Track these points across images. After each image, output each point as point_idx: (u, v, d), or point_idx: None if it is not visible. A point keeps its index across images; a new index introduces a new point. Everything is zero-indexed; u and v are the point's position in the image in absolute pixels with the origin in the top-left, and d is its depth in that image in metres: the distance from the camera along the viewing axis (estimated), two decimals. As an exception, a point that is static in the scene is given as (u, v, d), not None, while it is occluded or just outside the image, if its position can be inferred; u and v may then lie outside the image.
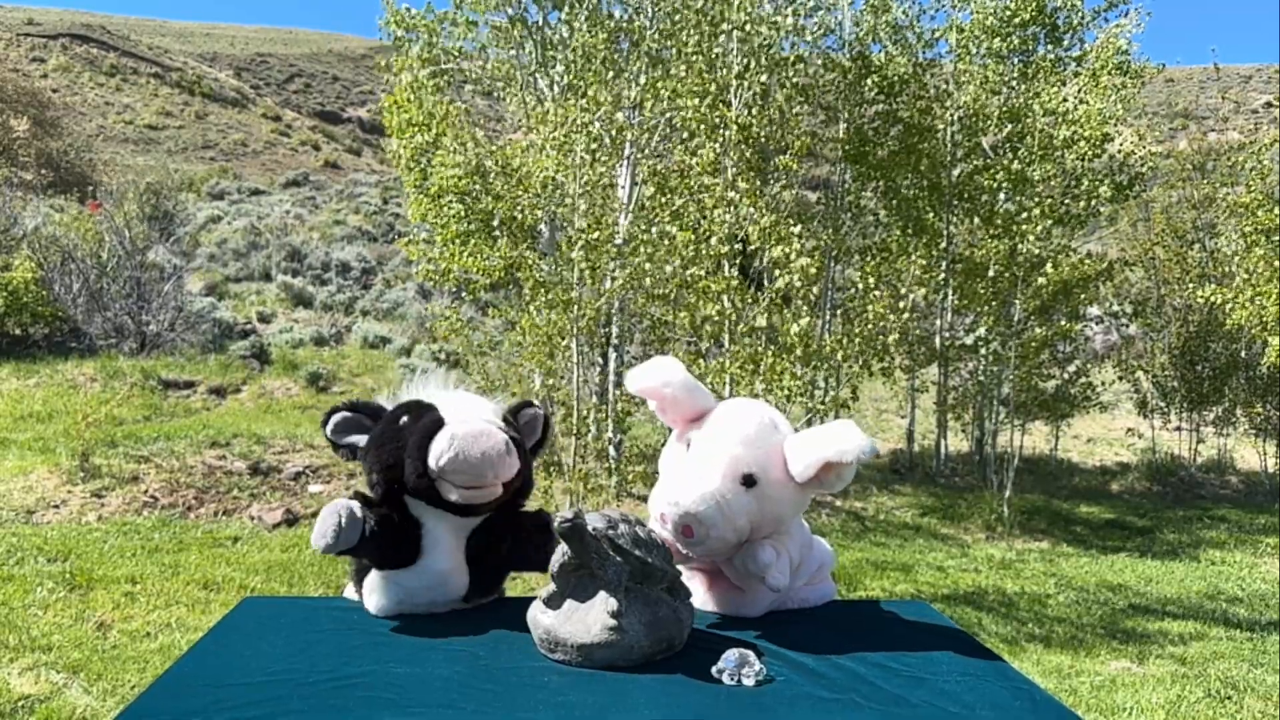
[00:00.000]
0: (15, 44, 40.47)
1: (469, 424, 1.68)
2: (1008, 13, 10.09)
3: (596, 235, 6.52)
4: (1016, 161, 9.31)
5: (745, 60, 6.72)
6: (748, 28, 6.60)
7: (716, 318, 6.27)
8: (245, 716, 1.28)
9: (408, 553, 1.73)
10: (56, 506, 6.48)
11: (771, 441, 1.75)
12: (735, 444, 1.74)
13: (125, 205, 13.53)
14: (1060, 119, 9.19)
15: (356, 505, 1.68)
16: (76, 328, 11.79)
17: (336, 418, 1.78)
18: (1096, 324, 12.38)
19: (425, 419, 1.72)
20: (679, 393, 1.79)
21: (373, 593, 1.75)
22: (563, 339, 6.68)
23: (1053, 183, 9.42)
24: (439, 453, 1.64)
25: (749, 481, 1.71)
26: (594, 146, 6.50)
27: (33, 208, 16.09)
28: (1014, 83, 10.24)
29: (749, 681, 1.45)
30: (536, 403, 1.96)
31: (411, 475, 1.68)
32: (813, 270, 6.20)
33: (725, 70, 6.79)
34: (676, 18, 7.15)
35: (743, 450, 1.73)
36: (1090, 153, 9.21)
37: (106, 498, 6.70)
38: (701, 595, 1.86)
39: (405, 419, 1.75)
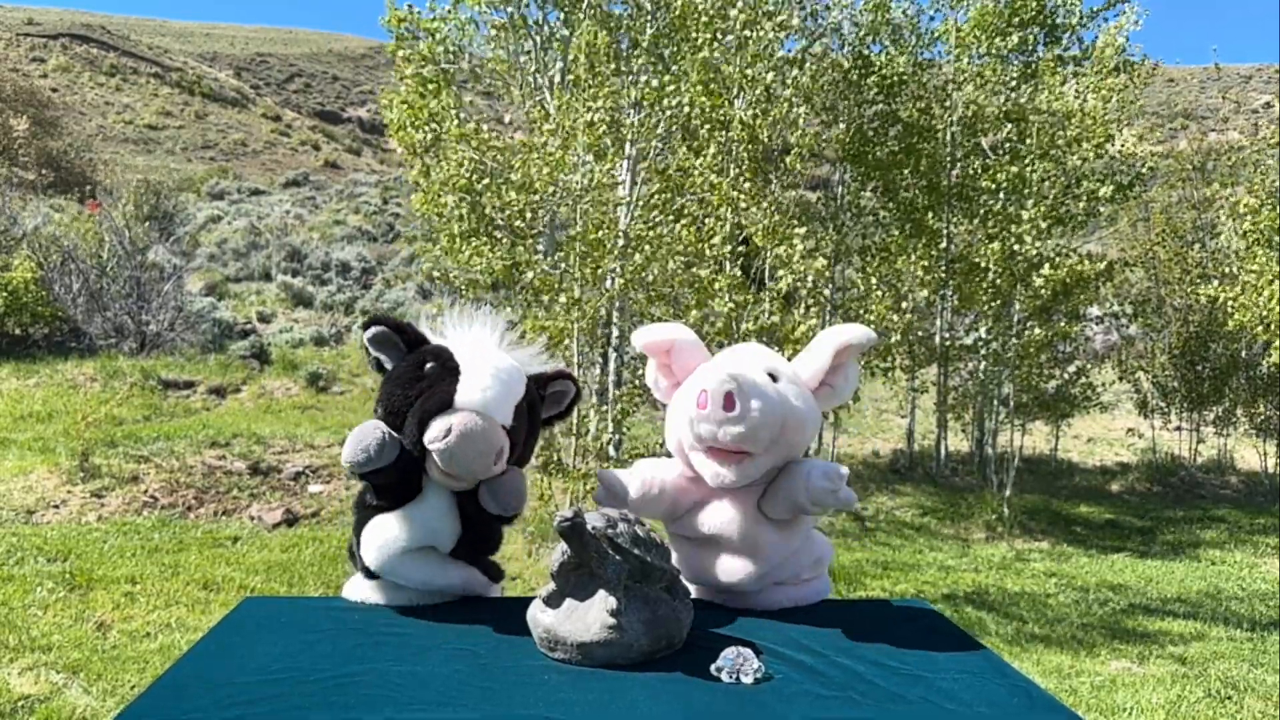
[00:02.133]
0: (15, 44, 40.48)
1: (472, 420, 1.64)
2: (1008, 12, 10.08)
3: (600, 235, 6.51)
4: (1015, 163, 9.30)
5: (749, 63, 6.71)
6: (748, 31, 6.60)
7: (699, 314, 6.27)
8: (245, 716, 1.28)
9: (413, 484, 1.74)
10: (56, 506, 6.48)
11: (776, 357, 1.85)
12: (748, 355, 1.84)
13: (125, 205, 13.55)
14: (1066, 119, 9.17)
15: (386, 427, 1.69)
16: (76, 328, 11.80)
17: (375, 330, 1.76)
18: (1096, 324, 12.36)
19: (442, 385, 1.69)
20: (688, 345, 1.86)
21: (371, 545, 1.74)
22: (563, 339, 6.67)
23: (1049, 183, 9.40)
24: (433, 437, 1.64)
25: (772, 376, 1.77)
26: (595, 136, 6.47)
27: (33, 208, 16.10)
28: (1014, 83, 10.23)
29: (747, 679, 1.45)
30: (573, 377, 1.91)
31: (407, 437, 1.69)
32: (820, 266, 6.20)
33: (731, 68, 6.78)
34: (677, 18, 7.13)
35: (756, 357, 1.83)
36: (1092, 153, 9.19)
37: (106, 498, 6.70)
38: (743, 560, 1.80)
39: (430, 365, 1.73)
